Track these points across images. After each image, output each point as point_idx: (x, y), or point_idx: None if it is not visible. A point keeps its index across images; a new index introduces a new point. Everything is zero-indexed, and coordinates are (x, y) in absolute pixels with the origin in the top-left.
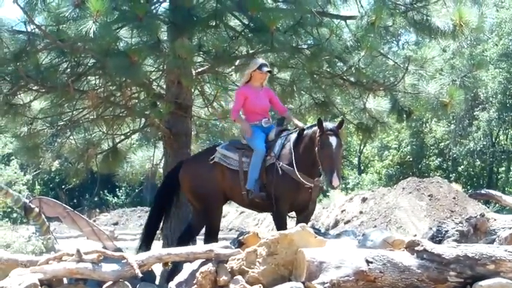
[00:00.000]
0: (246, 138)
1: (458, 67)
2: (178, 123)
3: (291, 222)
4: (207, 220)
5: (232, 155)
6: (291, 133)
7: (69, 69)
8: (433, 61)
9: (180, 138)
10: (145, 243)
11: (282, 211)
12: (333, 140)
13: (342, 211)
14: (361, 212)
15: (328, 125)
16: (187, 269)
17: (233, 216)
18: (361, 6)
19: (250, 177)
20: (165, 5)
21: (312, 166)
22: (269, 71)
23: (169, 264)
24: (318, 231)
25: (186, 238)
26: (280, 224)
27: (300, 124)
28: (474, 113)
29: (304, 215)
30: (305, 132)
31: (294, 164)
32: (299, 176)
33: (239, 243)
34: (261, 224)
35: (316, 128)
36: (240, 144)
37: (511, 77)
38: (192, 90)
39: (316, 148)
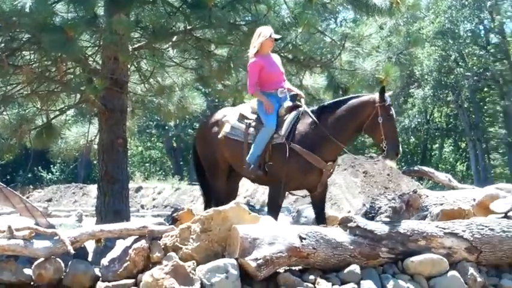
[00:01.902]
0: (259, 110)
1: (394, 44)
2: (114, 99)
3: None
4: (212, 187)
5: (239, 126)
6: (303, 110)
7: (3, 44)
8: (369, 38)
9: (116, 114)
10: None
11: (281, 194)
12: (393, 112)
13: None
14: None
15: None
16: (120, 245)
17: (168, 192)
18: None
19: (252, 151)
20: None
21: (351, 134)
22: (278, 38)
23: (102, 241)
24: (252, 208)
25: None
26: (274, 206)
27: (298, 91)
28: (409, 90)
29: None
30: (350, 101)
31: (330, 131)
32: (314, 158)
33: (173, 220)
34: (197, 201)
35: (368, 97)
36: (251, 113)
37: (446, 54)
38: (129, 66)
39: (380, 119)
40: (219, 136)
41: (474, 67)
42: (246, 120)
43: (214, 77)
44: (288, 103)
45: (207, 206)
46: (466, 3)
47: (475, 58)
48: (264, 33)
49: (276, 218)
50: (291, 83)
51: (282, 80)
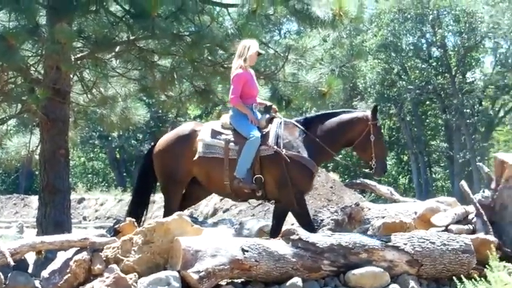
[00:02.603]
0: (237, 124)
1: (338, 57)
2: (56, 110)
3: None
4: (165, 202)
5: (216, 143)
6: (283, 121)
7: None
8: (313, 50)
9: (58, 125)
10: None
11: (305, 204)
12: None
13: (221, 200)
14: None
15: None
16: (61, 257)
17: (111, 204)
18: None
19: (241, 166)
20: None
21: (340, 147)
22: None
23: (43, 253)
24: (195, 220)
25: None
26: (308, 220)
27: (270, 103)
28: (353, 103)
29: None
30: (342, 115)
31: (324, 145)
32: (310, 162)
33: (115, 232)
34: None
35: (364, 114)
36: (224, 129)
37: (389, 67)
38: (71, 76)
39: (372, 137)
40: (195, 158)
41: (416, 80)
42: (223, 136)
43: (157, 88)
44: (266, 115)
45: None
46: (409, 16)
47: (417, 71)
48: (253, 47)
49: (313, 229)
50: None
51: (257, 96)
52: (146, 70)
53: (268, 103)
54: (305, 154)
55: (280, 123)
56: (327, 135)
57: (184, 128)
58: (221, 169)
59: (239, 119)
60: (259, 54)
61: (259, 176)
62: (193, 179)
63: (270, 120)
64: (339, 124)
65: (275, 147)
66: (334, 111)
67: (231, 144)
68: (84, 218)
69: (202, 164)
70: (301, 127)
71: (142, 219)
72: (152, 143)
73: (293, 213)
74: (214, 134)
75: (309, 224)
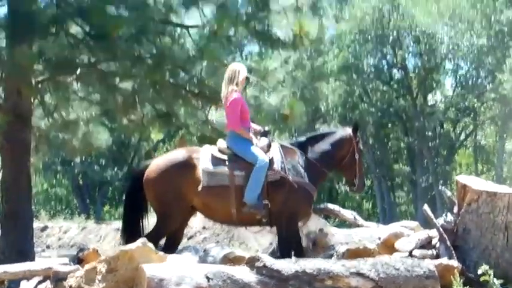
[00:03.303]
0: (239, 149)
1: (299, 79)
2: (17, 134)
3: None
4: (158, 225)
5: (220, 170)
6: (282, 145)
7: None
8: (274, 72)
9: (19, 150)
10: None
11: (296, 231)
12: None
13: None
14: (204, 228)
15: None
16: (24, 287)
17: (75, 232)
18: (204, 15)
19: (252, 192)
20: (4, 9)
21: (334, 166)
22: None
23: (5, 282)
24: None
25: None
26: (290, 248)
27: (265, 128)
28: (315, 126)
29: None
30: (331, 136)
31: (322, 167)
32: (313, 188)
33: (79, 260)
34: (103, 240)
35: (348, 133)
36: (225, 155)
37: (351, 89)
38: (32, 100)
39: (356, 155)
40: (199, 189)
41: (378, 102)
42: (226, 163)
43: (119, 111)
44: (265, 140)
45: None
46: (369, 37)
47: (378, 93)
48: (242, 71)
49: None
50: (197, 117)
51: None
52: (108, 93)
53: (265, 128)
54: (306, 178)
55: (279, 147)
56: (322, 157)
57: (177, 154)
58: (227, 197)
59: (241, 143)
60: (247, 78)
61: (266, 202)
62: None
63: (269, 145)
64: (331, 145)
65: (282, 172)
66: (318, 133)
67: (237, 171)
68: (48, 247)
69: (206, 194)
70: (301, 151)
71: None
72: (132, 169)
73: (279, 235)
74: (216, 161)
75: (288, 252)
